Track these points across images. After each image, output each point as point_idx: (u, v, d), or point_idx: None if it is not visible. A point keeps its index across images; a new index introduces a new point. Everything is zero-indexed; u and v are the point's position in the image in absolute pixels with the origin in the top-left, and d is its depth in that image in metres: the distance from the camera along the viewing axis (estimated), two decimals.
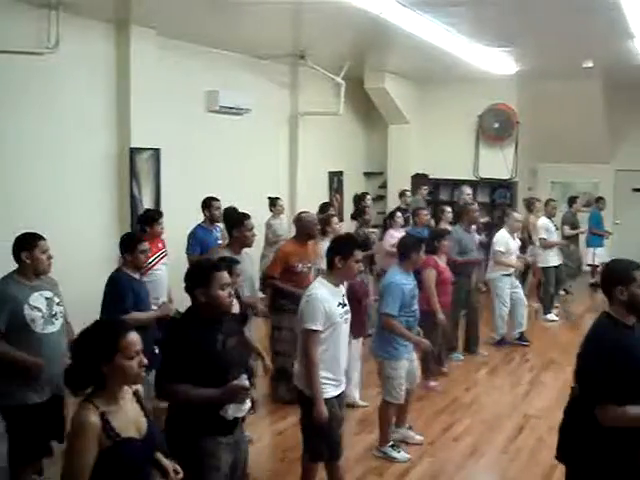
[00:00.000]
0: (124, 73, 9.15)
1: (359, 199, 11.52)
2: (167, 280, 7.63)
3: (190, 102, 10.52)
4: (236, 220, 6.89)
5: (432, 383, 8.36)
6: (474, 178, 15.39)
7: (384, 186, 15.70)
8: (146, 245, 6.37)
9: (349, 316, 5.21)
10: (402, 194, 13.19)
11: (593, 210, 14.24)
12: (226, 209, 8.66)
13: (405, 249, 6.64)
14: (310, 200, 11.66)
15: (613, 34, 9.53)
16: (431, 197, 15.03)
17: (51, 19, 7.98)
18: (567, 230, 12.91)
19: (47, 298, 5.21)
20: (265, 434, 6.99)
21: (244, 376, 4.06)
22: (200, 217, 8.75)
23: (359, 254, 5.17)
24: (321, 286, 5.08)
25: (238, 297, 5.86)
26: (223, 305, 4.15)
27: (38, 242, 5.23)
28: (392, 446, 6.53)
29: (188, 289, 4.21)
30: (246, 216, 6.98)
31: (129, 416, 3.33)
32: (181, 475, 3.61)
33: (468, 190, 12.58)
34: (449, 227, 9.89)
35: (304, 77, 12.86)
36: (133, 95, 9.16)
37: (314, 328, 4.92)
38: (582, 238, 13.74)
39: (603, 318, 3.94)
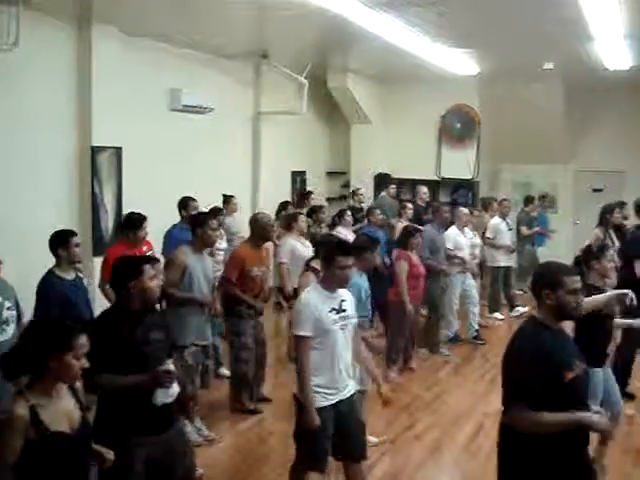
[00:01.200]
0: (85, 71, 9.06)
1: (302, 197, 11.57)
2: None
3: (152, 101, 10.44)
4: (200, 219, 6.81)
5: (392, 374, 8.39)
6: (436, 178, 15.50)
7: (347, 185, 15.75)
8: (78, 239, 6.21)
9: (349, 322, 5.07)
10: (354, 193, 13.31)
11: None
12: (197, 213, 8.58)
13: (358, 250, 6.49)
14: (273, 200, 11.66)
15: (573, 36, 9.65)
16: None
17: (11, 16, 7.85)
18: (524, 230, 13.04)
19: None
20: (227, 435, 6.98)
21: (169, 361, 4.23)
22: (163, 215, 8.70)
23: (343, 260, 4.94)
24: (313, 291, 5.02)
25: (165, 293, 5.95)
26: (153, 296, 4.40)
27: None
28: None
29: (116, 284, 4.44)
30: (211, 216, 6.95)
31: (62, 410, 3.40)
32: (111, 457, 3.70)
33: (424, 189, 12.61)
34: (405, 223, 10.04)
35: (267, 76, 12.84)
36: (94, 93, 9.08)
37: (302, 334, 4.86)
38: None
39: (529, 322, 3.89)
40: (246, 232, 8.00)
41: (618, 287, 7.28)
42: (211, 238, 6.74)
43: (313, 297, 4.94)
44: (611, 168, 15.18)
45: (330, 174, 16.19)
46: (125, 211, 9.24)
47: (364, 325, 6.37)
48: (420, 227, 9.64)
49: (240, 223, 10.27)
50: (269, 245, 8.29)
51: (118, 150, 9.48)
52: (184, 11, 8.57)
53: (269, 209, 10.77)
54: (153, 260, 4.69)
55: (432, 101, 14.87)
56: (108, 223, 9.26)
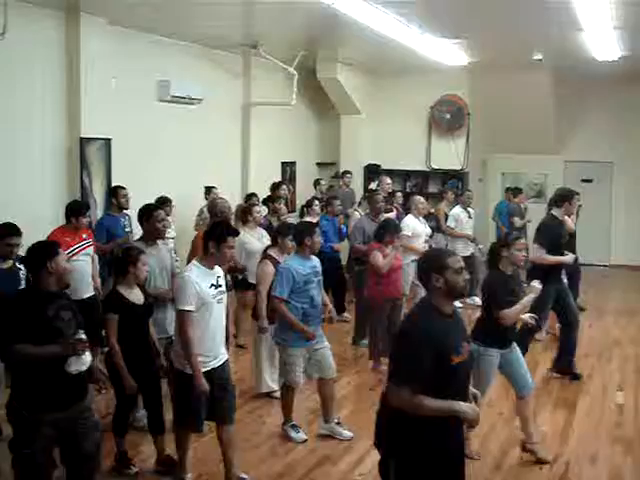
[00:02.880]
0: (74, 62, 9.04)
1: (274, 188, 11.61)
2: (91, 270, 7.75)
3: (142, 92, 10.41)
4: (145, 212, 6.70)
5: (383, 367, 8.40)
6: (426, 169, 15.54)
7: (337, 176, 15.73)
8: (17, 239, 6.26)
9: (224, 297, 5.54)
10: (317, 183, 13.39)
11: (502, 201, 14.39)
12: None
13: (298, 234, 6.69)
14: (263, 190, 11.64)
15: (562, 27, 9.65)
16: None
17: None
18: (517, 221, 13.06)
19: None
20: None
21: (81, 331, 4.47)
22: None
23: (233, 241, 5.49)
24: (194, 268, 5.40)
25: (142, 287, 5.95)
26: (67, 276, 4.68)
27: None
28: (292, 426, 6.66)
29: (31, 266, 4.63)
30: (156, 207, 6.89)
31: None
32: None
33: (388, 180, 12.45)
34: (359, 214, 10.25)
35: (256, 67, 12.82)
36: (83, 85, 9.06)
37: (187, 309, 5.24)
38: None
39: (421, 305, 4.00)
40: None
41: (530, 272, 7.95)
42: (159, 230, 6.65)
43: (194, 274, 5.33)
44: (600, 159, 15.26)
45: (320, 165, 16.18)
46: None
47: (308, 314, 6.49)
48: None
49: None
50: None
51: (107, 141, 9.45)
52: (173, 2, 8.53)
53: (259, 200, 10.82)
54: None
55: (422, 92, 14.93)
56: (97, 214, 9.22)
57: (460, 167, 15.29)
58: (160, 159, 10.58)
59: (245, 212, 8.92)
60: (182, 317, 5.28)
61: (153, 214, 6.60)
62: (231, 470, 5.62)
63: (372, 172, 15.54)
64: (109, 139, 9.47)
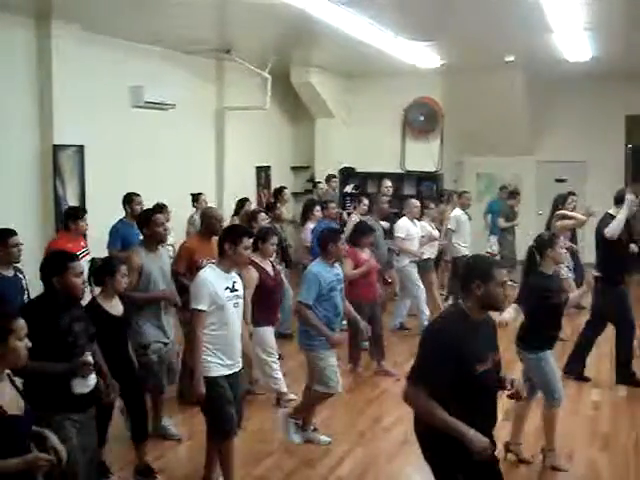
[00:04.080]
0: (46, 69, 8.98)
1: (277, 193, 11.66)
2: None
3: (115, 98, 10.36)
4: (144, 217, 6.66)
5: (360, 369, 8.33)
6: (400, 171, 15.57)
7: (312, 180, 15.75)
8: (18, 239, 6.27)
9: (240, 302, 5.47)
10: (315, 186, 13.41)
11: (496, 199, 14.52)
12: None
13: (322, 241, 6.66)
14: (238, 195, 11.62)
15: (533, 29, 9.72)
16: (358, 190, 15.30)
17: None
18: (501, 222, 13.20)
19: None
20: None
21: (88, 353, 4.51)
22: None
23: (248, 241, 5.46)
24: (210, 270, 5.39)
25: (122, 298, 5.78)
26: (76, 292, 4.59)
27: None
28: (296, 425, 6.60)
29: (43, 277, 4.57)
30: (154, 211, 6.84)
31: (9, 395, 3.54)
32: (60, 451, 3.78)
33: (388, 183, 12.48)
34: (358, 218, 10.12)
35: (230, 72, 12.80)
36: (55, 91, 9.01)
37: (199, 308, 5.20)
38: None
39: (452, 309, 4.04)
40: None
41: (600, 265, 8.09)
42: (160, 234, 6.58)
43: (210, 275, 5.31)
44: (573, 158, 15.36)
45: (295, 169, 16.18)
46: (88, 210, 9.17)
47: (331, 322, 6.44)
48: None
49: None
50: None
51: (80, 148, 9.40)
52: (146, 7, 8.50)
53: (234, 205, 10.82)
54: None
55: (395, 94, 14.94)
56: None
57: (435, 169, 15.34)
58: (134, 165, 10.52)
59: (250, 218, 8.86)
60: (193, 316, 5.26)
61: (152, 219, 6.52)
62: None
63: (348, 175, 15.61)
64: (82, 146, 9.41)
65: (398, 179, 15.42)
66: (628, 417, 7.30)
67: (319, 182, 13.75)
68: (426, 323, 10.34)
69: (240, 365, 5.52)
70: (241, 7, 8.56)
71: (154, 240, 6.55)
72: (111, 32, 9.88)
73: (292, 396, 7.46)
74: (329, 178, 14.13)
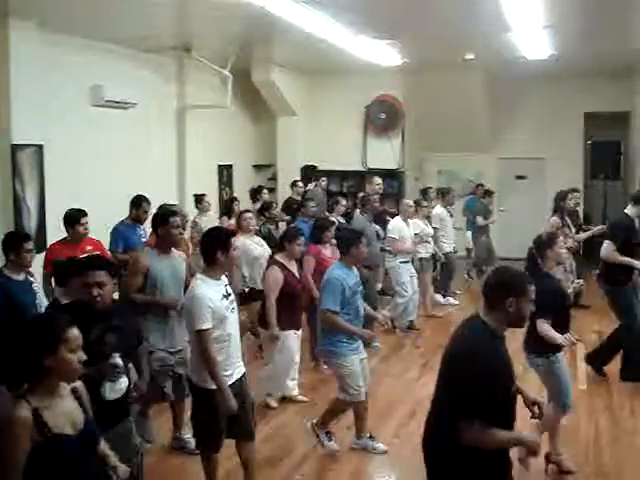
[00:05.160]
0: (3, 68, 8.81)
1: (255, 192, 11.61)
2: None
3: (74, 96, 10.24)
4: (161, 218, 6.44)
5: (323, 367, 8.34)
6: (362, 169, 15.62)
7: (274, 178, 15.74)
8: (31, 244, 6.22)
9: (235, 305, 5.36)
10: (294, 184, 13.34)
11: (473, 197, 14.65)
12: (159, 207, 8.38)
13: (344, 244, 6.48)
14: (203, 190, 11.62)
15: (492, 27, 9.80)
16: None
17: None
18: (480, 220, 13.40)
19: None
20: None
21: (116, 354, 4.28)
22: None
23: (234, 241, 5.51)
24: (202, 284, 5.14)
25: None
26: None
27: None
28: (327, 433, 6.53)
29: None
30: (172, 213, 6.61)
31: (64, 412, 3.32)
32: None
33: (378, 180, 12.23)
34: (336, 219, 9.99)
35: (190, 70, 12.71)
36: (13, 90, 8.86)
37: (204, 327, 5.01)
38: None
39: (478, 324, 3.74)
40: None
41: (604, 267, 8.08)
42: (175, 237, 6.40)
43: (205, 289, 5.09)
44: (533, 155, 15.53)
45: (257, 167, 16.14)
46: (48, 210, 9.12)
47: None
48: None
49: (214, 222, 10.28)
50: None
51: (39, 148, 9.28)
52: (104, 5, 8.43)
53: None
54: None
55: (357, 92, 15.00)
56: (31, 223, 9.04)
57: (396, 166, 15.42)
58: (94, 164, 10.42)
59: (237, 219, 8.91)
60: (201, 337, 5.03)
61: (169, 220, 6.32)
62: None
63: (309, 174, 15.60)
64: (41, 145, 9.30)
65: (360, 177, 15.49)
66: (587, 409, 7.41)
67: (297, 181, 13.68)
68: (404, 327, 10.42)
69: (243, 369, 5.41)
70: (201, 5, 8.54)
71: (167, 243, 6.37)
72: (70, 31, 9.76)
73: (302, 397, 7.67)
74: (317, 177, 14.25)
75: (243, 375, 5.38)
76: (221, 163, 14.45)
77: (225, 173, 14.62)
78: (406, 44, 11.41)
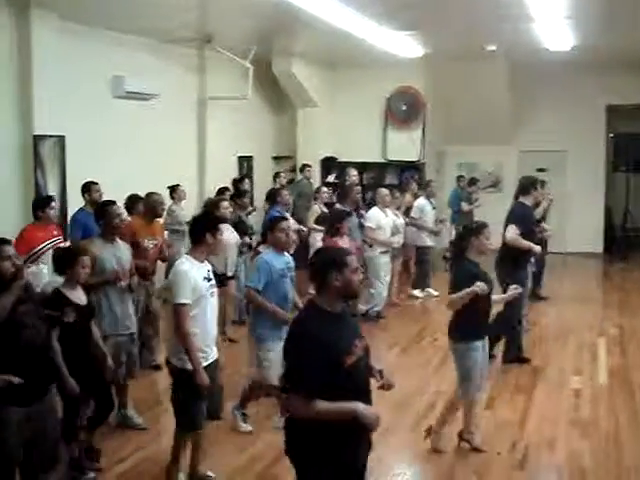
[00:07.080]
0: (25, 59, 8.88)
1: (236, 182, 11.76)
2: None
3: (96, 88, 10.30)
4: (100, 209, 6.70)
5: None
6: (383, 160, 15.57)
7: (294, 170, 15.73)
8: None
9: (216, 291, 5.53)
10: (276, 176, 13.61)
11: (455, 189, 14.84)
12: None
13: (267, 230, 6.68)
14: (220, 185, 11.61)
15: (514, 18, 9.75)
16: (339, 180, 15.26)
17: None
18: (465, 206, 13.71)
19: None
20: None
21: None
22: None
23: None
24: (186, 261, 5.37)
25: (85, 287, 5.72)
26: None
27: None
28: (243, 414, 6.63)
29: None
30: (112, 202, 6.77)
31: None
32: None
33: (354, 172, 12.72)
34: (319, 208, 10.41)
35: (211, 61, 12.73)
36: (35, 82, 8.91)
37: (183, 302, 5.20)
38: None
39: (307, 306, 3.92)
40: None
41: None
42: (117, 227, 6.60)
43: (188, 267, 5.30)
44: (554, 148, 15.44)
45: (277, 158, 16.13)
46: (69, 201, 9.17)
47: None
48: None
49: (188, 211, 10.29)
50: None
51: (61, 139, 9.33)
52: None
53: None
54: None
55: (377, 84, 14.94)
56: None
57: (417, 158, 15.34)
58: (115, 156, 10.45)
59: (212, 206, 8.95)
60: (179, 311, 5.21)
61: (109, 210, 6.54)
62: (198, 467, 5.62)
63: (329, 165, 15.60)
64: (63, 136, 9.35)
65: (380, 168, 15.46)
66: (608, 404, 7.35)
67: (280, 172, 13.97)
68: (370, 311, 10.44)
69: (216, 354, 5.57)
70: None
71: (110, 232, 6.56)
72: (91, 22, 9.81)
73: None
74: (303, 167, 14.44)
75: (216, 360, 5.57)
76: (241, 154, 14.45)
77: (245, 164, 14.62)
78: (428, 35, 11.37)
